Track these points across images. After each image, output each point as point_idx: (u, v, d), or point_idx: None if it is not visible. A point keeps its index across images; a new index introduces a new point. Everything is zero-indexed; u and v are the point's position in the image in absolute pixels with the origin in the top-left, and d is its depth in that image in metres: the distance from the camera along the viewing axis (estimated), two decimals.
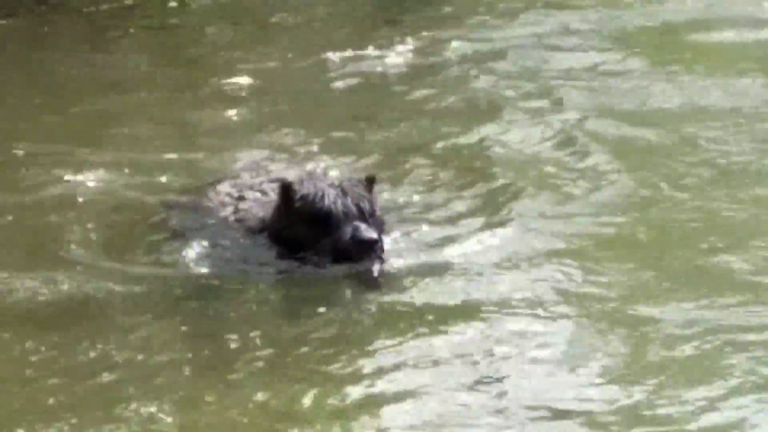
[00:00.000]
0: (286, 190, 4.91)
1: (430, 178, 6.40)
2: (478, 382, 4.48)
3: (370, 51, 9.55)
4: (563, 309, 5.23)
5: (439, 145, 7.13)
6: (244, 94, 8.35)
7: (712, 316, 5.50)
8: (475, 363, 4.71)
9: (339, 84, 8.91)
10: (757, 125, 8.39)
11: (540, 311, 5.18)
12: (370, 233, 4.77)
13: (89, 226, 5.78)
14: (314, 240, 4.89)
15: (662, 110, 8.50)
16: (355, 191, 4.97)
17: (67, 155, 7.00)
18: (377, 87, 9.04)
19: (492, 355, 4.74)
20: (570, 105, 8.39)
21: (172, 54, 9.96)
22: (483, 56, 9.42)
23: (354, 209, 4.88)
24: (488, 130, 7.76)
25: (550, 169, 7.18)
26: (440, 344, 4.61)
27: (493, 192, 6.23)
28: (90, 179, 6.67)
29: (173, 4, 11.23)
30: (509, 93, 8.58)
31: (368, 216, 4.91)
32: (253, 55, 9.63)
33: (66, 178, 6.55)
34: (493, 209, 5.86)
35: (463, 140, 7.64)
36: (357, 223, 4.79)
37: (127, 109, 7.92)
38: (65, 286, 5.04)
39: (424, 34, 10.12)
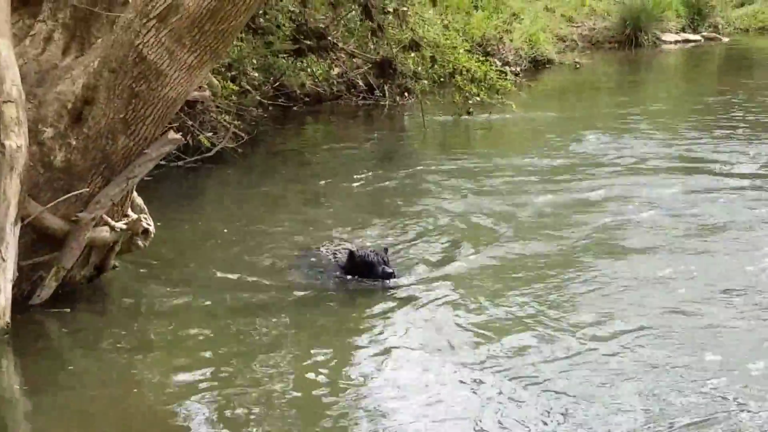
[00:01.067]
0: (352, 254, 8.23)
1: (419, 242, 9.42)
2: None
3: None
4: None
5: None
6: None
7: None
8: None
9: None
10: None
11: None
12: (390, 270, 8.10)
13: (264, 265, 8.81)
14: (365, 274, 8.17)
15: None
16: (380, 253, 8.32)
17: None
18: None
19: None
20: None
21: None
22: None
23: (381, 260, 8.18)
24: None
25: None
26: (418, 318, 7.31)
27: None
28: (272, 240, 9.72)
29: None
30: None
31: (386, 263, 8.22)
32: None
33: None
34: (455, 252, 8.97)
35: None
36: (383, 266, 8.11)
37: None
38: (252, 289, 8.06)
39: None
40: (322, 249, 9.27)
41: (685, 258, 8.90)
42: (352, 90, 16.43)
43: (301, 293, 8.26)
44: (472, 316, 7.55)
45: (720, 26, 27.32)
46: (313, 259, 9.08)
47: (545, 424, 5.69)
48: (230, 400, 6.28)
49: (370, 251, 8.57)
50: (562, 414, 5.84)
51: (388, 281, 8.35)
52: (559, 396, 5.99)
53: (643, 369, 6.39)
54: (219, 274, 8.76)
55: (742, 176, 12.19)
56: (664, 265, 8.80)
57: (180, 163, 12.12)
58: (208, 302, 8.10)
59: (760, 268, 8.71)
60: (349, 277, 8.50)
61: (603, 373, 6.45)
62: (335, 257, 8.92)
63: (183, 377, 6.67)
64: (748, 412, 5.72)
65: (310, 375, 6.47)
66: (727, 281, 8.36)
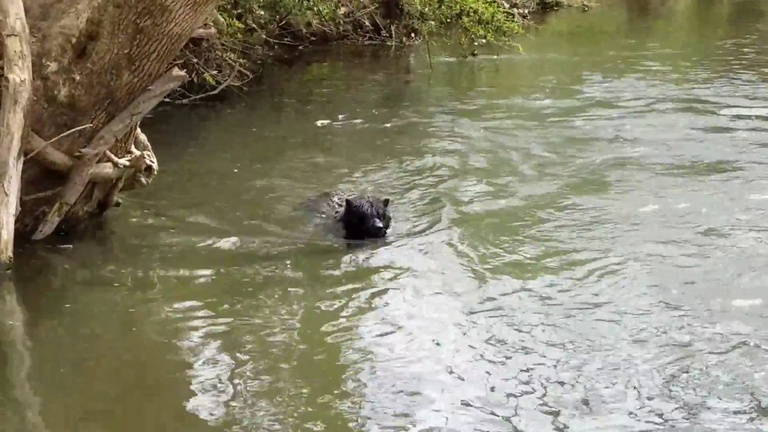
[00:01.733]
0: (348, 203, 8.17)
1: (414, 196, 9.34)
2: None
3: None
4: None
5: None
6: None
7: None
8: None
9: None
10: None
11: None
12: (379, 224, 7.87)
13: (267, 211, 8.90)
14: (357, 225, 8.03)
15: None
16: (378, 204, 8.12)
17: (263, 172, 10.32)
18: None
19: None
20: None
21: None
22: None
23: (375, 212, 7.99)
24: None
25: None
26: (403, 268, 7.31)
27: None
28: (276, 184, 9.81)
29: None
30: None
31: (381, 216, 7.99)
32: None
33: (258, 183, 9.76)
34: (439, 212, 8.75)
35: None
36: (375, 219, 7.92)
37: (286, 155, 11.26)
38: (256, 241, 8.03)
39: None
40: (323, 198, 9.36)
41: (668, 197, 9.05)
42: (359, 30, 16.55)
43: (302, 239, 8.41)
44: (466, 260, 7.68)
45: None
46: (314, 206, 9.15)
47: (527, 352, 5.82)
48: (227, 339, 6.38)
49: (366, 202, 8.49)
50: (540, 347, 5.95)
51: (376, 238, 8.44)
52: (536, 334, 6.06)
53: (616, 309, 6.42)
54: (222, 216, 8.92)
55: (742, 117, 12.39)
56: (649, 203, 8.98)
57: (185, 101, 12.20)
58: (208, 243, 8.24)
59: (743, 208, 8.91)
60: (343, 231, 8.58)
61: (579, 312, 6.48)
62: (336, 206, 9.02)
63: (181, 316, 6.82)
64: (702, 347, 5.83)
65: (305, 315, 6.61)
66: (708, 221, 8.50)
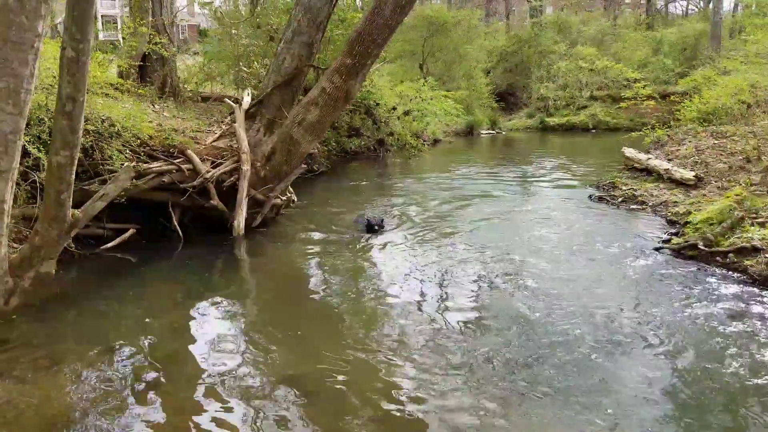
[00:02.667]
0: (367, 219, 9.17)
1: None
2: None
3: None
4: None
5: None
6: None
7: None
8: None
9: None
10: None
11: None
12: (380, 223, 9.01)
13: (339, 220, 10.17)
14: (370, 227, 9.06)
15: None
16: (379, 218, 9.21)
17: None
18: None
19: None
20: None
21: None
22: None
23: (377, 221, 9.11)
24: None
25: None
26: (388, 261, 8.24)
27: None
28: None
29: None
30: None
31: (382, 225, 9.13)
32: None
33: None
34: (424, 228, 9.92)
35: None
36: (376, 224, 8.99)
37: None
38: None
39: None
40: (358, 216, 10.06)
41: (478, 235, 9.64)
42: (369, 149, 18.38)
43: (349, 238, 9.06)
44: (417, 251, 8.74)
45: (501, 127, 30.11)
46: (357, 219, 9.87)
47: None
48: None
49: (374, 218, 9.35)
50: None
51: (377, 233, 9.12)
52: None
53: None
54: (320, 222, 10.56)
55: (509, 186, 14.34)
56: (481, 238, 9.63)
57: (308, 174, 13.47)
58: (313, 232, 9.89)
59: (504, 236, 9.66)
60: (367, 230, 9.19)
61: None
62: (363, 221, 9.58)
63: (307, 259, 8.58)
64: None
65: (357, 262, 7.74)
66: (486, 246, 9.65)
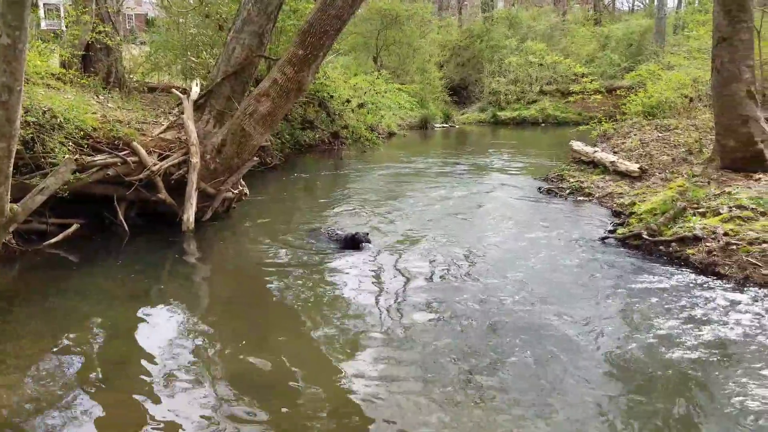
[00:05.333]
0: (352, 235, 8.08)
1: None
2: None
3: None
4: None
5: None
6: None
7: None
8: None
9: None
10: None
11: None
12: (365, 239, 7.98)
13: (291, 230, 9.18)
14: (351, 243, 8.02)
15: None
16: (363, 234, 8.19)
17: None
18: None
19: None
20: None
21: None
22: None
23: (362, 237, 8.08)
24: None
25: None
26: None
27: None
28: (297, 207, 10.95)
29: None
30: None
31: (366, 239, 8.09)
32: None
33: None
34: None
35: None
36: (363, 240, 8.01)
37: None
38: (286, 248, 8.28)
39: None
40: (322, 229, 9.16)
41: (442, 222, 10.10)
42: (323, 142, 18.27)
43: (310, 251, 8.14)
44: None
45: (455, 121, 29.79)
46: (317, 233, 8.96)
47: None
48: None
49: (356, 233, 8.33)
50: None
51: (365, 248, 8.07)
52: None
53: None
54: (270, 220, 10.20)
55: (461, 179, 14.46)
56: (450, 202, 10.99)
57: (261, 167, 12.97)
58: (265, 226, 9.69)
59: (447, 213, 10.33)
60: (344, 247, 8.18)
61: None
62: (331, 234, 8.68)
63: (266, 251, 8.43)
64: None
65: (314, 291, 6.77)
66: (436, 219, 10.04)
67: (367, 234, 8.25)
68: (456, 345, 5.20)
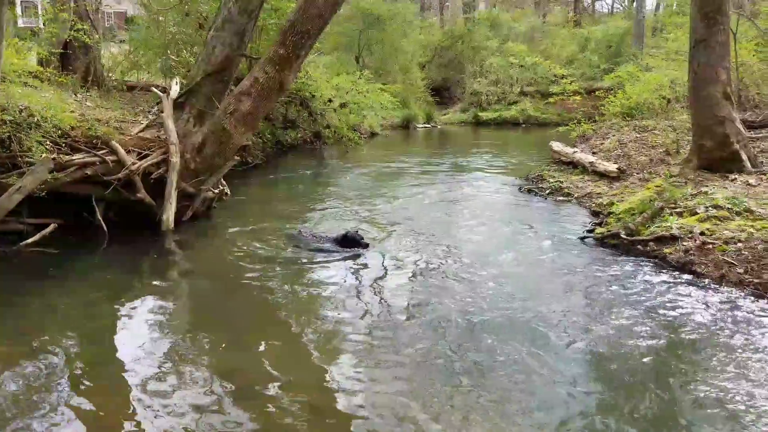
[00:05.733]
0: (346, 233, 7.85)
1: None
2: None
3: None
4: None
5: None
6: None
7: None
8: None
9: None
10: None
11: None
12: (361, 238, 7.74)
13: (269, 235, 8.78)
14: (344, 242, 7.83)
15: None
16: (357, 233, 7.96)
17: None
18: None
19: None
20: None
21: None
22: None
23: (356, 235, 7.88)
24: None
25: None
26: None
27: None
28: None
29: None
30: None
31: (360, 238, 7.86)
32: None
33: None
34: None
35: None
36: (358, 238, 7.80)
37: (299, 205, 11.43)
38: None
39: None
40: (302, 231, 8.87)
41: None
42: (305, 141, 18.17)
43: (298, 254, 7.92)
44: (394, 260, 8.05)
45: (437, 121, 29.90)
46: (297, 236, 8.64)
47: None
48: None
49: (355, 233, 8.11)
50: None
51: (366, 249, 7.89)
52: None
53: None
54: (251, 220, 9.97)
55: (442, 178, 14.53)
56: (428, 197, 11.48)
57: (242, 167, 12.76)
58: (253, 226, 9.47)
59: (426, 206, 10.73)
60: (342, 246, 7.96)
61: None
62: (316, 236, 8.45)
63: (245, 252, 8.24)
64: None
65: (305, 291, 6.71)
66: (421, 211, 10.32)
67: (357, 231, 8.11)
68: (436, 345, 5.21)
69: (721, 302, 6.03)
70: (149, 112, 10.63)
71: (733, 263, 6.70)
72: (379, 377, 4.62)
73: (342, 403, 4.27)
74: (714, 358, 4.91)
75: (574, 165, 13.52)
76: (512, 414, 4.15)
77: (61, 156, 7.89)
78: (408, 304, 6.19)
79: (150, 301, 6.26)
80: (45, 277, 6.79)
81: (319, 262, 7.51)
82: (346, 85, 19.20)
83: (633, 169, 12.00)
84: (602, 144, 15.25)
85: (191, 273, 7.53)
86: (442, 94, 36.08)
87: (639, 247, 7.80)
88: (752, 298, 6.07)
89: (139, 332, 5.48)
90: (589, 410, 4.21)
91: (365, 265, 7.36)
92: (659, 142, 13.58)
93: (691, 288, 6.44)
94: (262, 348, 5.18)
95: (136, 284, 6.80)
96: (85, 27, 12.88)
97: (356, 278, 6.96)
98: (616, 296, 6.26)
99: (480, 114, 31.70)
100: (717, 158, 10.26)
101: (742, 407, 4.16)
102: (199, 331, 5.51)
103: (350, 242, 7.86)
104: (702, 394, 4.36)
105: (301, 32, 8.85)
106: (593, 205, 10.36)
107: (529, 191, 12.13)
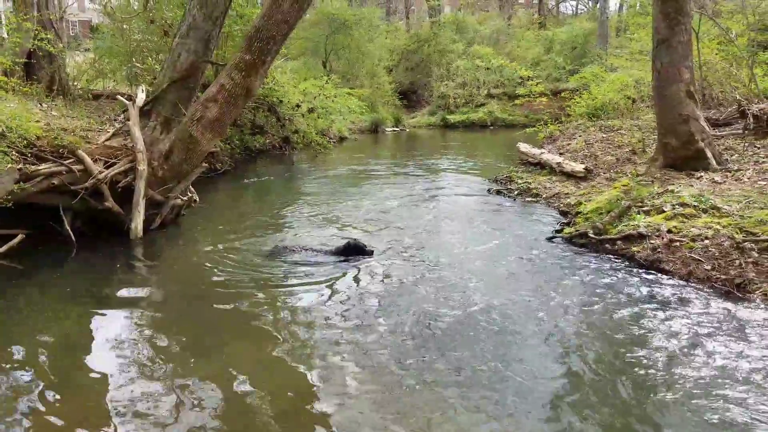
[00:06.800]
0: (348, 242, 7.72)
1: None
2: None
3: None
4: None
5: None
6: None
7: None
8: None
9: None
10: None
11: None
12: (364, 246, 7.59)
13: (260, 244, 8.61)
14: (348, 251, 7.68)
15: None
16: (361, 243, 7.81)
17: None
18: None
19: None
20: None
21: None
22: None
23: (361, 245, 7.73)
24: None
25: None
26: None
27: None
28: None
29: None
30: None
31: (364, 246, 7.73)
32: None
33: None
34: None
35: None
36: (364, 247, 7.68)
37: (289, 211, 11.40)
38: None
39: None
40: (287, 244, 8.49)
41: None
42: (274, 147, 18.51)
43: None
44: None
45: (405, 125, 30.29)
46: (285, 250, 8.20)
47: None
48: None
49: (357, 241, 7.96)
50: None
51: (371, 256, 7.78)
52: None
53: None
54: (220, 226, 10.07)
55: (411, 181, 14.51)
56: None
57: (211, 174, 13.33)
58: (224, 229, 9.58)
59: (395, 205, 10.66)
60: (341, 256, 7.76)
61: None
62: (307, 248, 8.10)
63: (219, 255, 8.31)
64: None
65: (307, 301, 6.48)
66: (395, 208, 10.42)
67: (357, 240, 8.02)
68: (405, 343, 5.29)
69: (688, 299, 6.11)
70: (115, 120, 10.57)
71: (700, 260, 6.80)
72: (355, 384, 4.62)
73: (317, 410, 4.27)
74: (681, 354, 4.97)
75: (541, 166, 13.69)
76: (490, 416, 4.20)
77: (27, 166, 7.86)
78: (377, 306, 6.22)
79: (120, 310, 6.21)
80: (12, 289, 6.75)
81: (287, 270, 7.47)
82: (313, 89, 19.22)
83: (600, 169, 12.18)
84: (569, 144, 15.46)
85: (161, 281, 7.42)
86: (409, 97, 36.30)
87: (607, 245, 7.88)
88: (720, 294, 6.16)
89: (110, 342, 5.44)
90: (568, 409, 4.26)
91: (335, 271, 7.33)
92: (625, 141, 13.82)
93: (658, 285, 6.52)
94: (233, 353, 5.17)
95: (105, 293, 6.69)
96: (49, 36, 12.69)
97: (328, 285, 6.90)
98: (584, 294, 6.30)
99: (448, 117, 31.96)
100: (682, 156, 10.42)
101: (706, 401, 4.25)
102: (169, 339, 5.47)
103: (353, 251, 7.77)
104: (668, 389, 4.44)
105: (267, 38, 8.85)
106: (561, 205, 10.44)
107: (498, 192, 12.27)
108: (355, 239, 7.95)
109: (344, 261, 7.56)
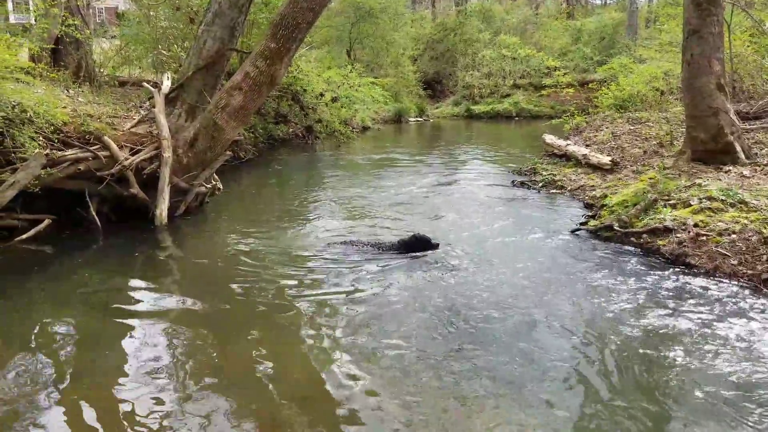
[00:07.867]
0: (414, 235, 7.36)
1: None
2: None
3: None
4: None
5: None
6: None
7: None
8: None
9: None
10: None
11: None
12: (429, 239, 7.27)
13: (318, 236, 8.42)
14: (413, 246, 7.32)
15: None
16: (426, 236, 7.43)
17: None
18: None
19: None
20: None
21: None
22: None
23: (427, 238, 7.35)
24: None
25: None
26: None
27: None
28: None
29: None
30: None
31: (429, 239, 7.32)
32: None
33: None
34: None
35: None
36: (429, 240, 7.29)
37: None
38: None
39: None
40: (347, 240, 8.09)
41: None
42: (297, 136, 18.57)
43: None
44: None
45: (429, 115, 30.46)
46: (345, 245, 7.87)
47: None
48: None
49: (422, 234, 7.51)
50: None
51: (437, 249, 7.46)
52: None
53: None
54: (244, 214, 10.22)
55: (435, 172, 14.59)
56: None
57: (234, 162, 13.39)
58: (239, 228, 9.39)
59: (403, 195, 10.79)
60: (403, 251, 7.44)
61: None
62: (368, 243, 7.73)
63: (242, 239, 8.37)
64: None
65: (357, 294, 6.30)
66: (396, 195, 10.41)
67: (423, 234, 7.56)
68: (429, 335, 5.22)
69: (714, 294, 6.02)
70: (141, 107, 10.65)
71: (726, 255, 6.72)
72: (377, 373, 4.56)
73: (337, 401, 4.22)
74: (708, 349, 4.89)
75: (567, 158, 13.56)
76: (510, 407, 4.13)
77: (53, 151, 7.94)
78: (402, 298, 6.11)
79: (143, 297, 6.21)
80: (39, 273, 6.78)
81: (309, 256, 7.49)
82: (337, 78, 19.22)
83: (626, 162, 12.04)
84: (595, 136, 15.30)
85: (184, 268, 7.46)
86: (434, 87, 36.16)
87: (632, 239, 7.82)
88: (746, 289, 6.04)
89: (132, 328, 5.46)
90: (583, 400, 4.22)
91: (359, 261, 7.26)
92: (653, 134, 13.64)
93: (684, 279, 6.45)
94: (253, 341, 5.15)
95: (129, 280, 6.71)
96: (76, 22, 12.85)
97: (352, 274, 6.83)
98: (609, 288, 6.21)
99: (472, 107, 31.79)
100: (711, 150, 10.26)
101: (733, 395, 4.18)
102: (191, 327, 5.47)
103: (419, 245, 7.44)
104: (695, 384, 4.36)
105: (292, 26, 8.83)
106: (586, 197, 10.39)
107: (522, 184, 12.23)
108: (420, 233, 7.57)
109: (408, 257, 7.35)
